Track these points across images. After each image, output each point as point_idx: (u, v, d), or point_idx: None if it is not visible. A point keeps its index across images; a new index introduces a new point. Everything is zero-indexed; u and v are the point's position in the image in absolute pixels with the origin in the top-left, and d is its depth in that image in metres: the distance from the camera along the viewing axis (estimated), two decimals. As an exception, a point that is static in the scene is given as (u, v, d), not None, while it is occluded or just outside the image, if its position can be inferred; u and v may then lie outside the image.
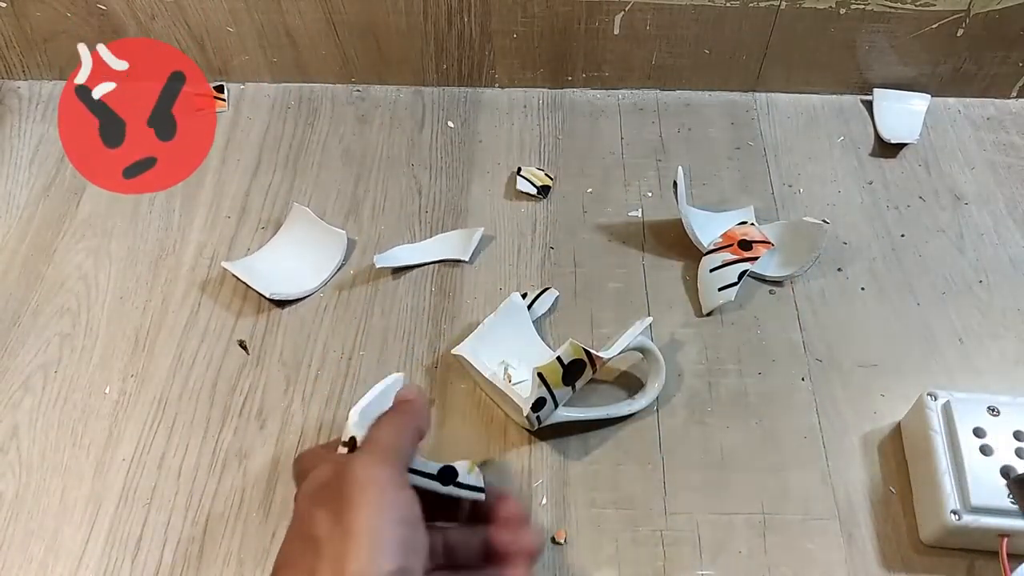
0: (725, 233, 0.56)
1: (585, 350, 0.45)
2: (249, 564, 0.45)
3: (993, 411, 0.44)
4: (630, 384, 0.52)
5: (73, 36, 0.65)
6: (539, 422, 0.47)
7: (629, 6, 0.61)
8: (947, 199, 0.61)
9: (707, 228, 0.57)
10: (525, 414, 0.46)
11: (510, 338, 0.52)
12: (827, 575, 0.44)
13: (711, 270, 0.55)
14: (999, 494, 0.42)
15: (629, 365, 0.52)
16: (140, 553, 0.46)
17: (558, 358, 0.45)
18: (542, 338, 0.54)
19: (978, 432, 0.44)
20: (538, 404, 0.45)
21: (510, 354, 0.52)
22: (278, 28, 0.64)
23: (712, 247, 0.56)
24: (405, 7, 0.62)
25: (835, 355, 0.53)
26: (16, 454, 0.50)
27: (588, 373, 0.47)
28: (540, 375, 0.44)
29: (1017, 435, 0.43)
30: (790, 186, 0.62)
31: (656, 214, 0.60)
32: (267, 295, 0.55)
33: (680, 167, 0.56)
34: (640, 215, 0.60)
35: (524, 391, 0.48)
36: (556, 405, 0.47)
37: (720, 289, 0.54)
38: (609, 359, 0.47)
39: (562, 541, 0.46)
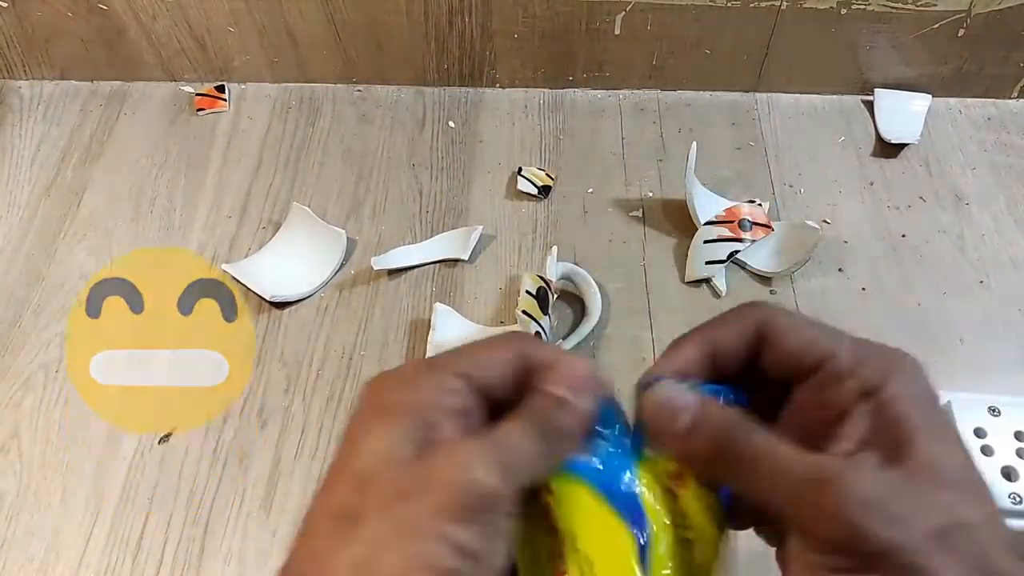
0: (730, 208, 0.56)
1: (540, 276, 0.52)
2: (250, 563, 0.45)
3: (994, 411, 0.44)
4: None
5: (74, 36, 0.65)
6: None
7: (630, 6, 0.61)
8: (948, 199, 0.61)
9: (710, 209, 0.57)
10: None
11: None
12: (828, 575, 0.44)
13: (705, 240, 0.55)
14: (1000, 495, 0.41)
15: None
16: (141, 552, 0.46)
17: (527, 291, 0.50)
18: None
19: (979, 432, 0.43)
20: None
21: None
22: (279, 28, 0.64)
23: (714, 218, 0.56)
24: (406, 7, 0.62)
25: (836, 355, 0.53)
26: (17, 453, 0.50)
27: (551, 296, 0.53)
28: (525, 312, 0.49)
29: (1018, 435, 0.43)
30: (791, 186, 0.62)
31: (657, 214, 0.60)
32: (268, 298, 0.55)
33: (695, 142, 0.56)
34: (641, 215, 0.60)
35: None
36: (548, 337, 0.51)
37: (708, 263, 0.54)
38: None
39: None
